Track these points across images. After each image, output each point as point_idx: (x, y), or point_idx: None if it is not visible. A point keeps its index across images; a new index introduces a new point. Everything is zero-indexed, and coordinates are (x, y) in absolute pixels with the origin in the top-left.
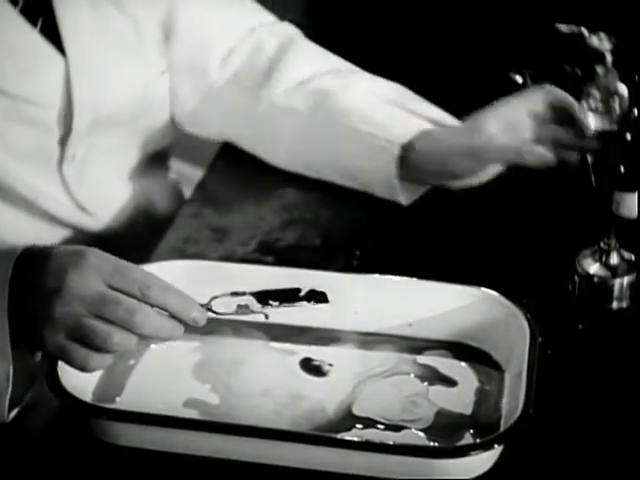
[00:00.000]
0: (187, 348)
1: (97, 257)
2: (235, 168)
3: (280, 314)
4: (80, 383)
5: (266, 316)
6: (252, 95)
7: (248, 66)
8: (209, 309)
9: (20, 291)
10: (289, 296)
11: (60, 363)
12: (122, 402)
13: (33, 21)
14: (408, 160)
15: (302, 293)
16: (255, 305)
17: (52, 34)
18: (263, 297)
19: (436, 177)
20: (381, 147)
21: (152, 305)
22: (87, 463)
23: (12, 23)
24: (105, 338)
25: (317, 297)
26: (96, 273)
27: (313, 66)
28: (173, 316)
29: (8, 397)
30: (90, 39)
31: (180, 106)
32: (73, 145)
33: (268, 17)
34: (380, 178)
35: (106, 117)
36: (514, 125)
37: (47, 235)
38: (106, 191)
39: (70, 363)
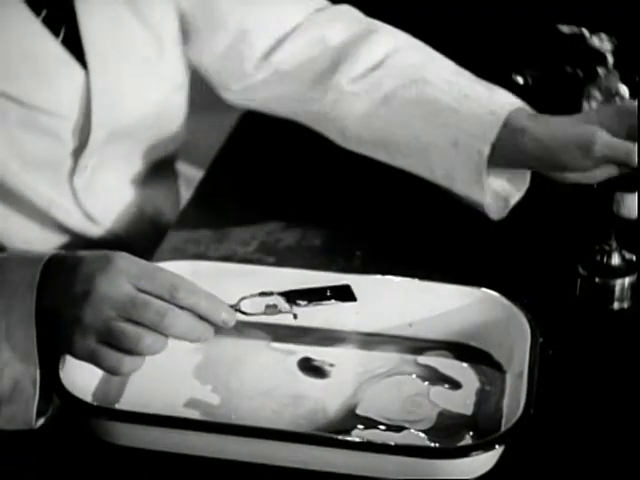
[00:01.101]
0: (188, 348)
1: (125, 260)
2: (235, 168)
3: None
4: (81, 383)
5: (295, 316)
6: (318, 83)
7: (310, 55)
8: (238, 310)
9: (47, 297)
10: (317, 295)
11: (62, 363)
12: (123, 402)
13: (55, 31)
14: (503, 139)
15: (329, 292)
16: (283, 305)
17: (74, 45)
18: (291, 297)
19: (535, 163)
20: (477, 121)
21: (181, 307)
22: (87, 463)
23: (34, 32)
24: (136, 341)
25: (345, 295)
26: (124, 276)
27: (385, 46)
28: (203, 317)
29: (36, 403)
30: (112, 52)
31: (224, 91)
32: (86, 157)
33: (321, 2)
34: (466, 162)
35: (122, 130)
36: (630, 127)
37: (53, 241)
38: (114, 200)
39: (101, 367)
